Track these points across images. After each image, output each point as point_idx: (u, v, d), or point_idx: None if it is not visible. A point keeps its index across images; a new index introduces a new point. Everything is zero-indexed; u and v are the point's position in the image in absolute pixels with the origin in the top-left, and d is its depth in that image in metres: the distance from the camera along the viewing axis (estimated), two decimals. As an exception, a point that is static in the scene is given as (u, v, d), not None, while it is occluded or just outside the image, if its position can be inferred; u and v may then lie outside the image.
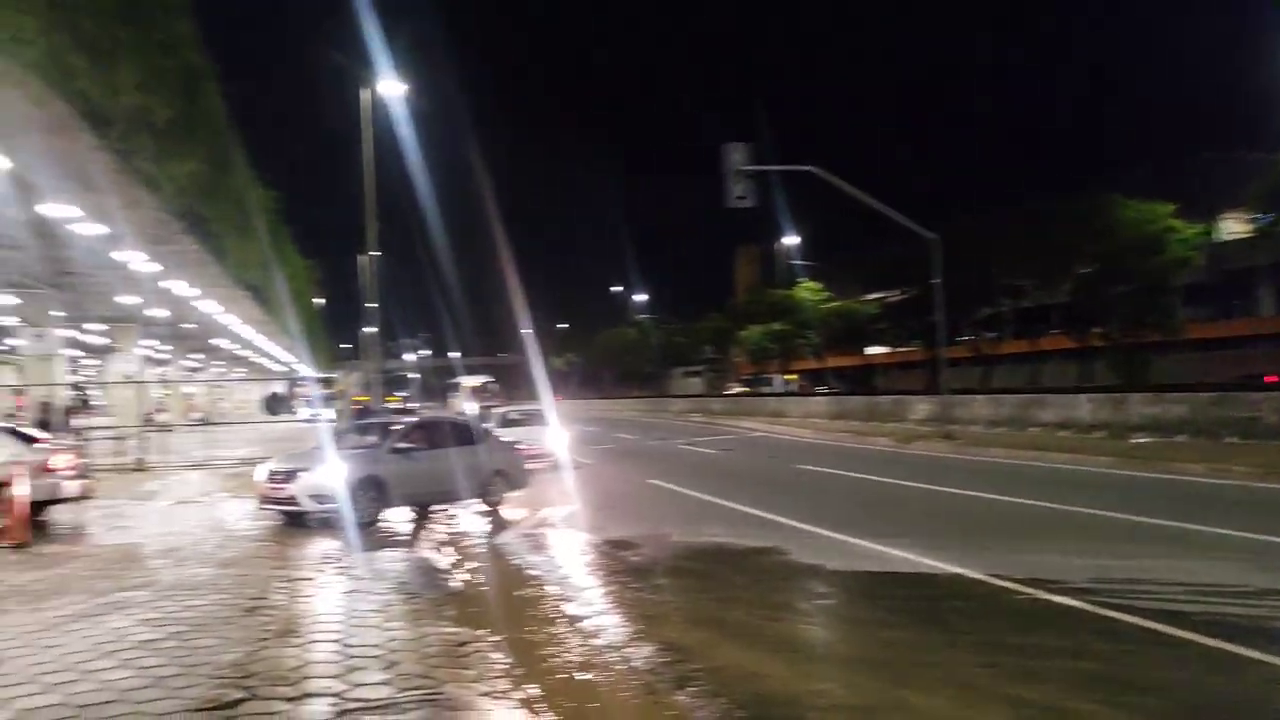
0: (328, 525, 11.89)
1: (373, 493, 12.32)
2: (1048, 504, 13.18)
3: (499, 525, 13.05)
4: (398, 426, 14.16)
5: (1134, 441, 20.48)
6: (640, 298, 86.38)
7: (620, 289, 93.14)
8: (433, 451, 13.61)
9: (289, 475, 12.38)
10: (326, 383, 55.95)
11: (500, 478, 14.00)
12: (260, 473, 12.97)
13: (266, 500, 12.64)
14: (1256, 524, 10.66)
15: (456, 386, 54.72)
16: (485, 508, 13.74)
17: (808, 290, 56.64)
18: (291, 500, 12.21)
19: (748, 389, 71.62)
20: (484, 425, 15.64)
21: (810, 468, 20.02)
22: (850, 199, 24.28)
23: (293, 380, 60.07)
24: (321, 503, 12.10)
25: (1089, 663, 6.10)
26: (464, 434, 14.42)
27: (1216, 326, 48.03)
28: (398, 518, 13.28)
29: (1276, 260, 45.60)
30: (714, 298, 76.48)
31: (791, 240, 63.70)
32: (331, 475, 12.14)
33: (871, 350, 61.75)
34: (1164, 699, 5.40)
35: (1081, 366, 40.83)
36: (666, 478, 18.36)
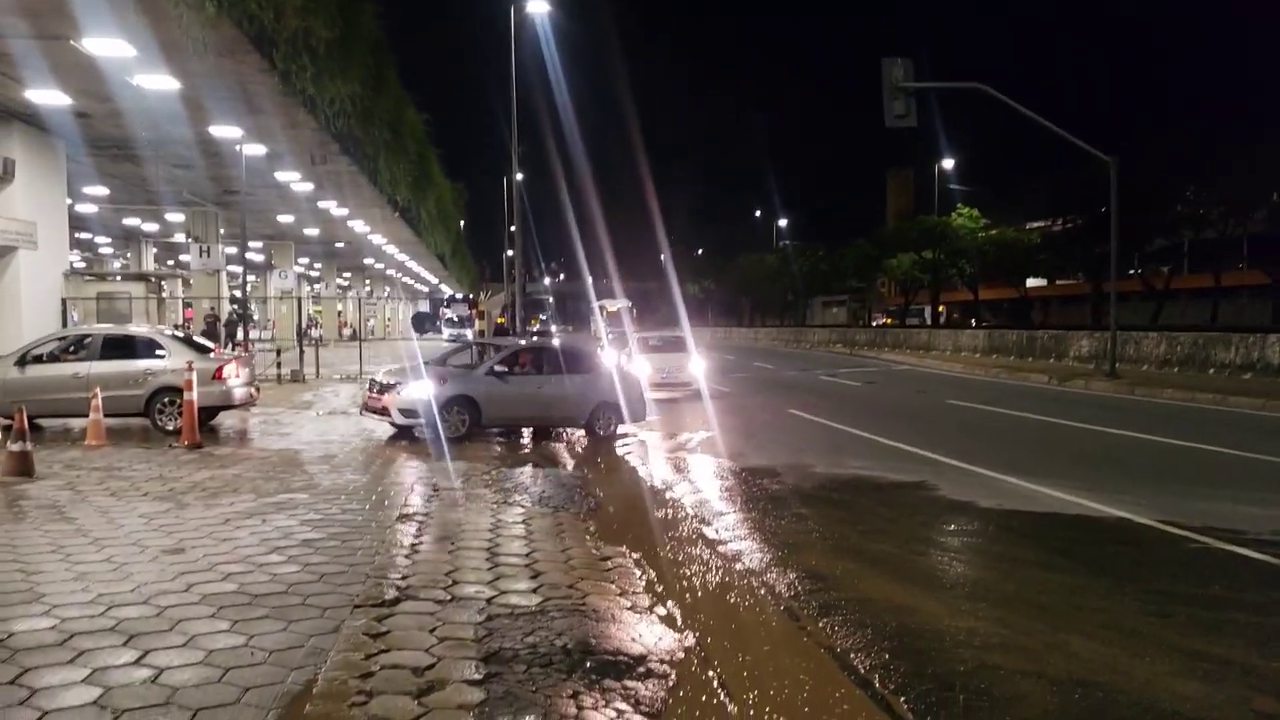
0: (420, 437, 12.57)
1: (463, 412, 12.72)
2: (1226, 450, 12.24)
3: (612, 450, 13.05)
4: (501, 349, 14.48)
5: (1330, 387, 18.71)
6: (783, 223, 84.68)
7: (762, 213, 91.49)
8: (535, 377, 13.76)
9: (385, 388, 13.05)
10: (468, 302, 57.43)
11: (609, 407, 13.81)
12: (366, 383, 13.73)
13: (366, 408, 13.48)
14: None
15: (598, 310, 54.43)
16: (595, 434, 13.67)
17: (965, 217, 53.59)
18: (385, 411, 12.91)
19: (894, 320, 69.52)
20: (597, 352, 15.49)
21: (961, 403, 19.26)
22: (1013, 123, 22.87)
23: (435, 299, 61.72)
24: (408, 416, 12.68)
25: (1276, 619, 5.62)
26: (571, 361, 14.38)
27: None
28: (516, 437, 13.63)
29: None
30: (861, 225, 73.82)
31: (948, 164, 60.61)
32: (420, 392, 12.65)
33: (1030, 283, 58.46)
34: (1367, 663, 4.91)
35: (1272, 304, 37.40)
36: (808, 408, 18.04)
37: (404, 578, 5.78)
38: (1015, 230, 52.80)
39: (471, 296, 62.74)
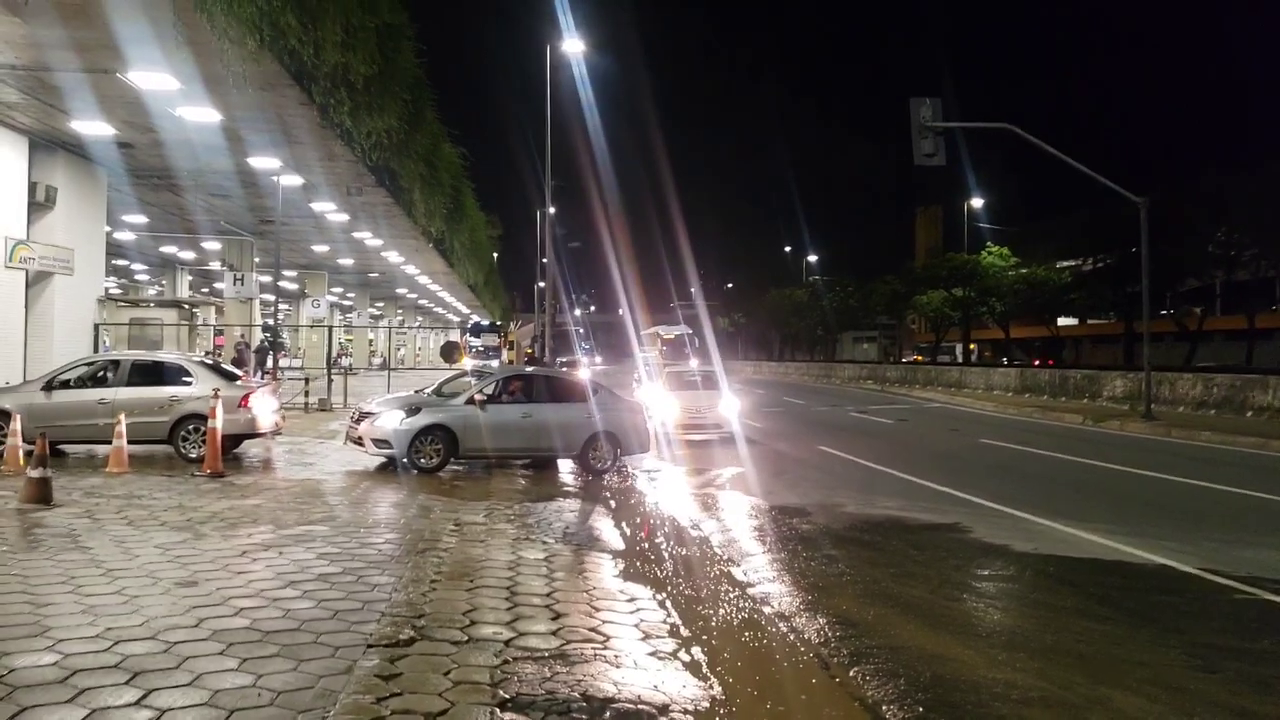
0: (393, 467, 12.51)
1: (438, 442, 12.50)
2: (1269, 495, 11.86)
3: (637, 485, 12.83)
4: (486, 377, 14.18)
5: (1374, 432, 18.17)
6: (812, 258, 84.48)
7: (791, 249, 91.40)
8: (520, 406, 13.28)
9: (363, 417, 12.97)
10: (496, 331, 56.48)
11: (607, 438, 13.29)
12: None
13: (348, 438, 13.37)
14: None
15: (649, 338, 47.30)
16: (592, 467, 13.16)
17: (995, 255, 53.28)
18: (359, 441, 12.79)
19: (924, 357, 68.92)
20: (596, 383, 14.68)
21: (994, 442, 18.89)
22: (1041, 162, 22.74)
23: (463, 329, 60.37)
24: (380, 446, 12.57)
25: (1330, 678, 5.33)
26: (560, 390, 14.01)
27: None
28: (538, 471, 13.43)
29: None
30: (891, 261, 73.44)
31: (977, 202, 60.40)
32: (391, 422, 12.56)
33: (1061, 322, 57.81)
34: None
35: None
36: (839, 445, 17.77)
37: (420, 616, 5.62)
38: (1046, 269, 52.33)
39: (500, 325, 62.19)
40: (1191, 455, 16.66)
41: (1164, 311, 44.22)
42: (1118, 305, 46.76)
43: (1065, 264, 52.84)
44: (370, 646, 5.02)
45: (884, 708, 4.72)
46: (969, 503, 11.23)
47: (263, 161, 19.69)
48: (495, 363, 43.93)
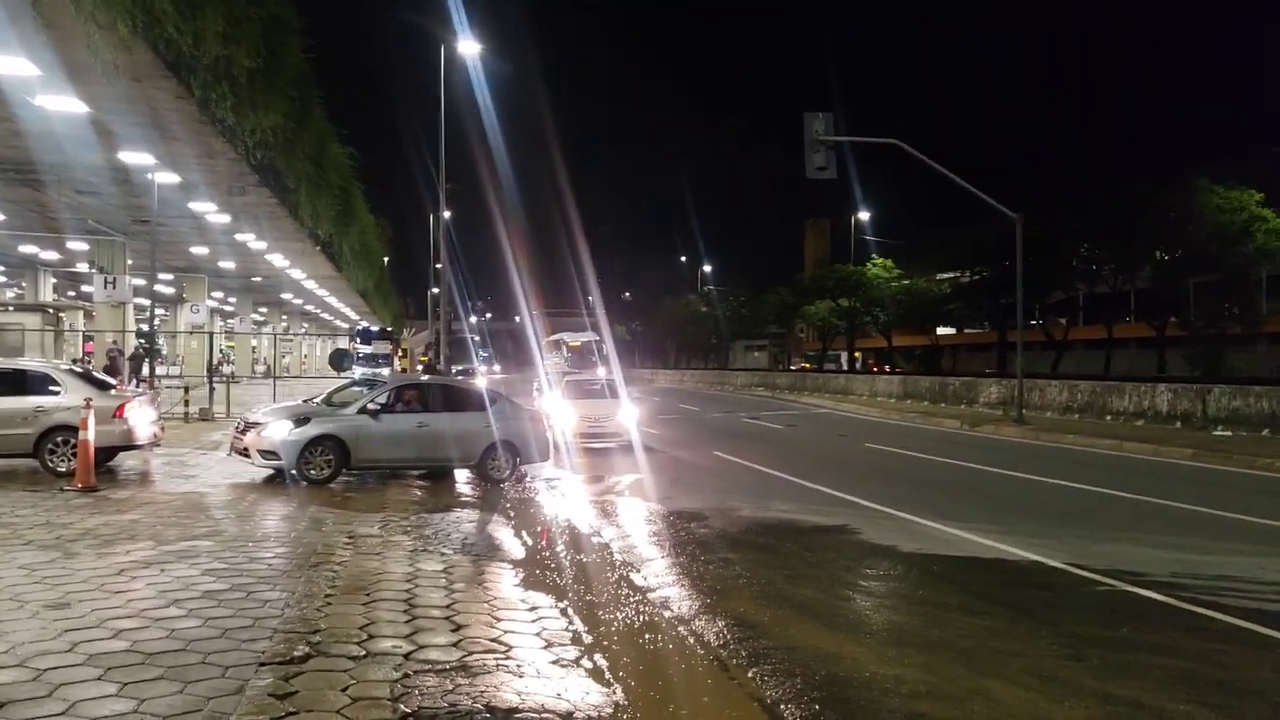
0: (308, 480, 12.06)
1: (329, 453, 12.16)
2: (1125, 494, 12.70)
3: (535, 494, 12.78)
4: (379, 386, 13.82)
5: (1216, 434, 19.62)
6: (706, 268, 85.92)
7: (687, 259, 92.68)
8: (415, 415, 12.93)
9: (248, 427, 12.55)
10: (386, 338, 54.07)
11: (505, 448, 13.12)
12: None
13: (233, 449, 12.92)
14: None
15: (555, 346, 44.96)
16: (491, 477, 13.01)
17: (879, 267, 55.54)
18: (245, 452, 12.39)
19: (812, 365, 70.82)
20: (495, 391, 14.53)
21: (879, 447, 19.60)
22: (925, 178, 23.71)
23: (352, 335, 57.31)
24: (267, 458, 12.18)
25: (1179, 660, 5.78)
26: (457, 398, 13.79)
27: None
28: (435, 481, 13.26)
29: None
30: (781, 272, 75.43)
31: (864, 216, 62.59)
32: (279, 432, 12.19)
33: (940, 331, 60.45)
34: (1261, 703, 5.09)
35: (1158, 356, 39.45)
36: (733, 451, 18.12)
37: (315, 632, 5.48)
38: (926, 280, 54.90)
39: (391, 332, 59.94)
40: (1058, 457, 17.66)
41: (1034, 322, 46.69)
42: (992, 316, 49.24)
43: (945, 276, 55.45)
44: (263, 665, 4.87)
45: (782, 707, 4.86)
46: (857, 505, 11.63)
47: (136, 157, 18.63)
48: (386, 371, 42.41)
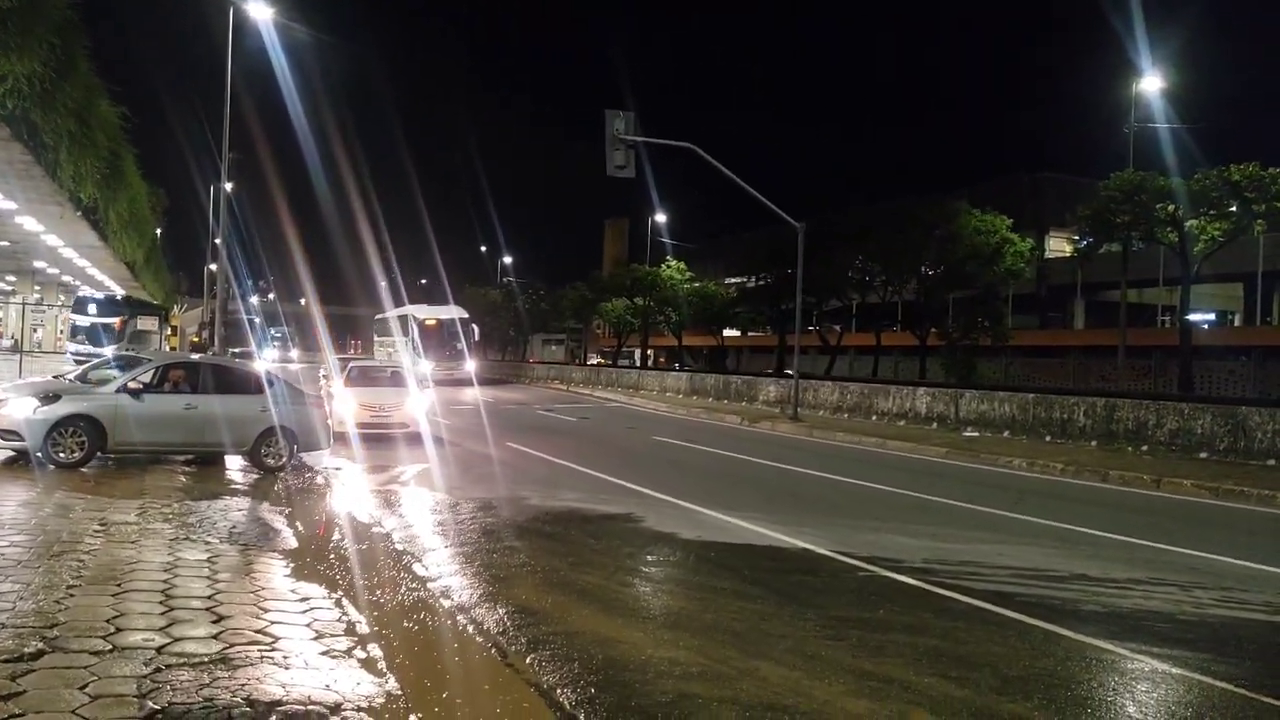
0: (26, 461, 11.13)
1: (81, 435, 11.24)
2: (887, 487, 13.72)
3: (315, 482, 12.29)
4: (142, 364, 12.89)
5: (966, 435, 21.64)
6: (508, 260, 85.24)
7: (487, 249, 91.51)
8: (182, 397, 12.09)
9: None
10: (115, 306, 45.96)
11: (282, 433, 12.53)
12: None
13: None
14: (1067, 515, 11.48)
15: (400, 323, 36.31)
16: (265, 464, 12.42)
17: (673, 269, 57.47)
18: None
19: (607, 360, 71.87)
20: (271, 374, 13.75)
21: (666, 440, 20.19)
22: (720, 186, 24.59)
23: (78, 304, 45.54)
24: (6, 438, 11.20)
25: (927, 638, 6.29)
26: (230, 380, 13.04)
27: (1037, 334, 51.55)
28: (208, 466, 12.48)
29: (1089, 281, 49.67)
30: (581, 268, 76.26)
31: (660, 218, 64.43)
32: (22, 410, 11.17)
33: (727, 332, 63.15)
34: (991, 674, 5.61)
35: (920, 363, 43.05)
36: (525, 442, 18.08)
37: (52, 626, 4.98)
38: (715, 284, 57.34)
39: (158, 305, 52.67)
40: (828, 453, 18.88)
41: (811, 328, 49.58)
42: (773, 320, 51.96)
43: (733, 280, 57.97)
44: (-15, 664, 4.37)
45: (558, 691, 4.91)
46: (643, 494, 11.94)
47: None
48: (107, 351, 36.34)
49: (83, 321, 41.55)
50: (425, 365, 36.01)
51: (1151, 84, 33.35)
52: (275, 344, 61.09)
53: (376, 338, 34.69)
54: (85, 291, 50.57)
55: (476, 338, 34.52)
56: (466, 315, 34.97)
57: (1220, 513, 12.52)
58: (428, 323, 34.61)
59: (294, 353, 63.53)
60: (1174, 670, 5.78)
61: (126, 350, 29.37)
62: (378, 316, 39.45)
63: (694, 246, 65.43)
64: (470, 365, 36.59)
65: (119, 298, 47.49)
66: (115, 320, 42.13)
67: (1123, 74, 35.77)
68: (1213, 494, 13.70)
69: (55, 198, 25.79)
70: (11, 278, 54.73)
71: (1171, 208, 29.29)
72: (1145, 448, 18.15)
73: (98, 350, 33.44)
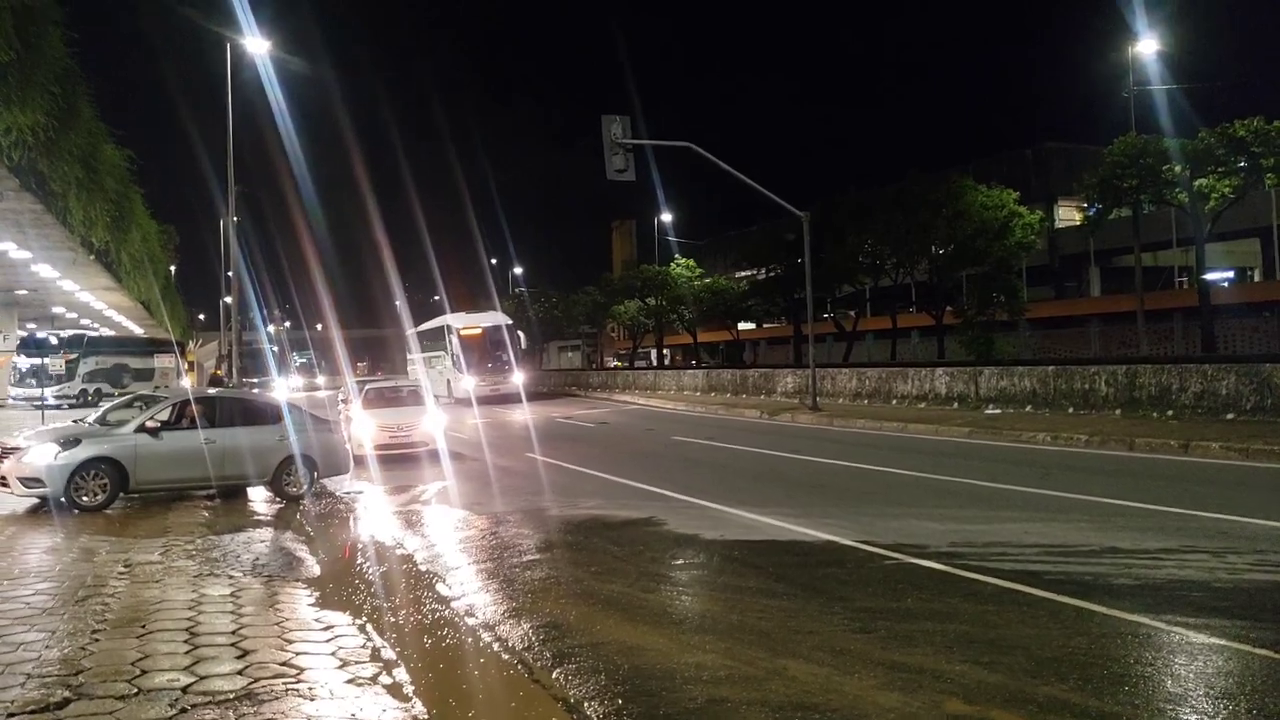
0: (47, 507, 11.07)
1: (103, 477, 11.22)
2: (910, 472, 13.61)
3: (335, 508, 12.34)
4: (158, 402, 12.88)
5: (987, 413, 21.46)
6: (518, 270, 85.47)
7: (497, 262, 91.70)
8: (201, 432, 12.07)
9: (6, 453, 11.35)
10: (58, 347, 38.99)
11: (304, 462, 12.55)
12: None
13: None
14: (1094, 487, 11.33)
15: (437, 335, 31.79)
16: (287, 492, 12.43)
17: (682, 267, 57.47)
18: (3, 481, 11.17)
19: (623, 363, 71.90)
20: (289, 404, 13.78)
21: (685, 439, 20.13)
22: (724, 180, 24.53)
23: (25, 342, 40.19)
24: (30, 486, 11.08)
25: (956, 624, 6.21)
26: (257, 413, 13.10)
27: (1053, 305, 51.05)
28: (226, 501, 12.53)
29: (1102, 248, 49.19)
30: (591, 272, 76.40)
31: (666, 217, 64.46)
32: (44, 457, 11.09)
33: (741, 326, 63.04)
34: (1024, 656, 5.53)
35: (938, 343, 42.77)
36: (544, 452, 18.10)
37: (78, 673, 4.99)
38: (726, 279, 57.26)
39: (79, 337, 44.58)
40: (849, 441, 18.77)
41: (825, 315, 49.39)
42: (787, 310, 51.79)
43: (743, 274, 57.85)
44: (11, 716, 4.38)
45: (585, 705, 4.87)
46: (663, 496, 11.90)
47: None
48: (50, 395, 32.15)
49: (22, 364, 36.61)
50: (468, 381, 33.09)
51: (1148, 46, 33.05)
52: (300, 370, 60.04)
53: (409, 355, 31.66)
54: (30, 328, 46.08)
55: (524, 345, 30.99)
56: (510, 321, 31.39)
57: (1251, 474, 12.35)
58: (467, 333, 31.66)
59: (320, 379, 63.03)
60: (1211, 640, 5.68)
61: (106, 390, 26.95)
62: (409, 331, 36.74)
63: (703, 242, 65.40)
64: (518, 378, 33.26)
65: (65, 335, 42.74)
66: (57, 360, 37.55)
67: (1118, 38, 35.39)
68: (1242, 455, 13.51)
69: (67, 243, 26.11)
70: (32, 325, 55.33)
71: (1178, 168, 29.00)
72: (1170, 413, 17.92)
73: (37, 393, 29.95)
